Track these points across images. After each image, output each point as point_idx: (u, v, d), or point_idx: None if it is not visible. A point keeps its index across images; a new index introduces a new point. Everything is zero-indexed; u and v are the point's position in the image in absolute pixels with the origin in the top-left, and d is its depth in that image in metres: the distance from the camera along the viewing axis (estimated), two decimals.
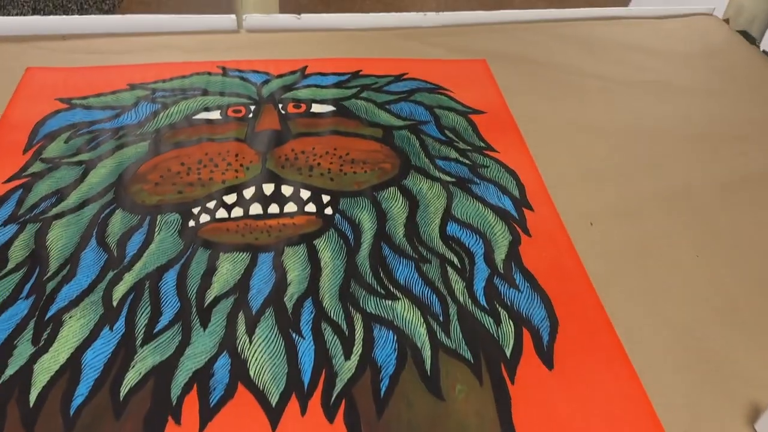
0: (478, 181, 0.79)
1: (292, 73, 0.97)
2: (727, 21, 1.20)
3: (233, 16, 1.07)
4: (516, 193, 0.78)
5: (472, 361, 0.59)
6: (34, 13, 1.43)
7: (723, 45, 1.12)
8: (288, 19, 1.08)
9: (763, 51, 1.13)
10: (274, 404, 0.55)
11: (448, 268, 0.68)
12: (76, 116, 0.86)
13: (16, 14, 1.42)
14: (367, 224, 0.73)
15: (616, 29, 1.15)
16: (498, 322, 0.63)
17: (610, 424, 0.56)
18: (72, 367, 0.57)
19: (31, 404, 0.54)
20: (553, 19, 1.15)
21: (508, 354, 0.60)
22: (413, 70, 0.99)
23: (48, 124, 0.85)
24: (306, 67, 0.98)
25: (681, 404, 0.57)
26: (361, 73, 0.98)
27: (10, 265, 0.66)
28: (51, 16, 1.02)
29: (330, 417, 0.54)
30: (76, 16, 1.01)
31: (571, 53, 1.07)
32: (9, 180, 0.76)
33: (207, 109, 0.88)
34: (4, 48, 0.99)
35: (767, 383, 0.59)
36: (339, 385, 0.57)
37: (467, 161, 0.82)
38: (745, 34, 1.17)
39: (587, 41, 1.10)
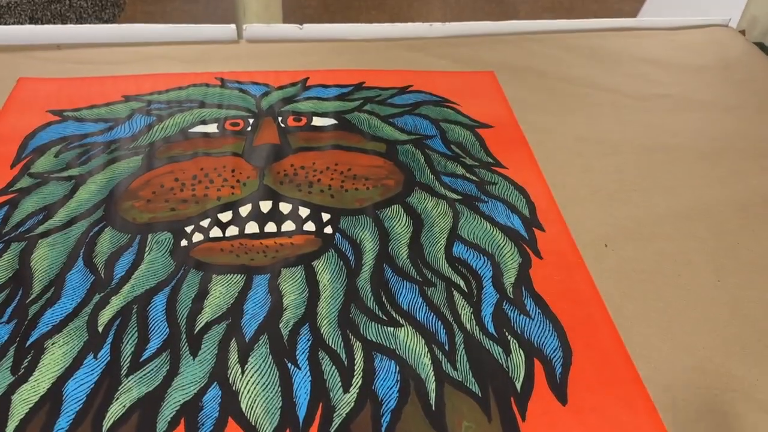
0: (486, 199, 0.76)
1: (293, 84, 0.93)
2: (743, 33, 1.17)
3: (233, 26, 1.04)
4: (526, 211, 0.74)
5: (479, 394, 0.55)
6: (31, 22, 1.40)
7: (740, 57, 1.08)
8: (290, 29, 1.05)
9: None
10: None
11: (455, 293, 0.64)
12: (67, 129, 0.83)
13: (13, 23, 1.40)
14: (369, 244, 0.69)
15: (628, 41, 1.11)
16: (507, 352, 0.59)
17: None
18: (53, 398, 0.54)
19: None
20: (563, 30, 1.12)
21: (518, 387, 0.56)
22: (418, 82, 0.96)
23: (38, 137, 0.82)
24: (307, 78, 0.95)
25: None
26: (364, 85, 0.94)
27: None
28: (46, 26, 0.99)
29: None
30: (72, 25, 0.98)
31: (581, 65, 1.03)
32: None
33: (204, 122, 0.85)
34: None
35: None
36: (337, 421, 0.53)
37: (474, 178, 0.79)
38: (761, 46, 1.13)
39: (597, 53, 1.07)
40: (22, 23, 1.39)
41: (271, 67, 0.98)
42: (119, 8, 1.55)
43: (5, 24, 1.38)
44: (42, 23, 1.40)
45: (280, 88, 0.93)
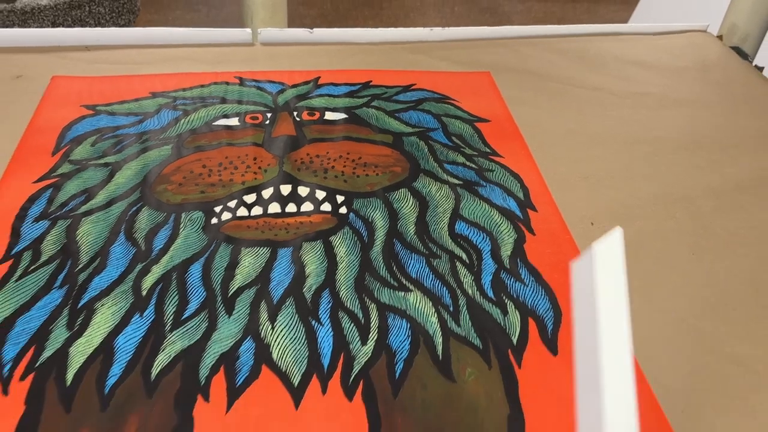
0: (485, 184, 0.84)
1: (306, 83, 1.02)
2: (720, 38, 1.26)
3: (249, 30, 1.12)
4: (520, 195, 0.82)
5: (480, 347, 0.63)
6: (53, 27, 1.48)
7: (717, 60, 1.17)
8: (301, 33, 1.13)
9: (756, 66, 1.18)
10: (296, 384, 0.59)
11: (457, 264, 0.72)
12: (101, 122, 0.91)
13: (36, 27, 1.48)
14: (380, 222, 0.77)
15: (614, 44, 1.20)
16: (505, 312, 0.67)
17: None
18: (105, 350, 0.61)
19: (68, 383, 0.58)
20: (553, 34, 1.20)
21: (514, 341, 0.64)
22: (421, 82, 1.04)
23: (74, 128, 0.89)
24: (319, 77, 1.03)
25: (677, 385, 0.61)
26: (371, 83, 1.02)
27: (44, 258, 0.70)
28: (75, 28, 1.07)
29: (349, 396, 0.58)
30: (99, 28, 1.05)
31: (570, 67, 1.12)
32: (39, 180, 0.80)
33: (226, 116, 0.92)
34: (30, 58, 1.04)
35: (756, 367, 0.63)
36: (356, 368, 0.60)
37: (474, 165, 0.87)
38: (737, 50, 1.22)
39: (585, 56, 1.15)
40: (44, 27, 1.47)
41: (284, 68, 1.06)
42: (134, 14, 1.63)
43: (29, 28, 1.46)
44: (63, 28, 1.48)
45: (294, 86, 1.00)
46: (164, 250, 0.71)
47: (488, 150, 0.90)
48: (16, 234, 0.72)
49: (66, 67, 1.02)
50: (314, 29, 1.13)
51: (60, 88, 0.98)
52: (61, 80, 0.99)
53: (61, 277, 0.68)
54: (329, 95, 0.99)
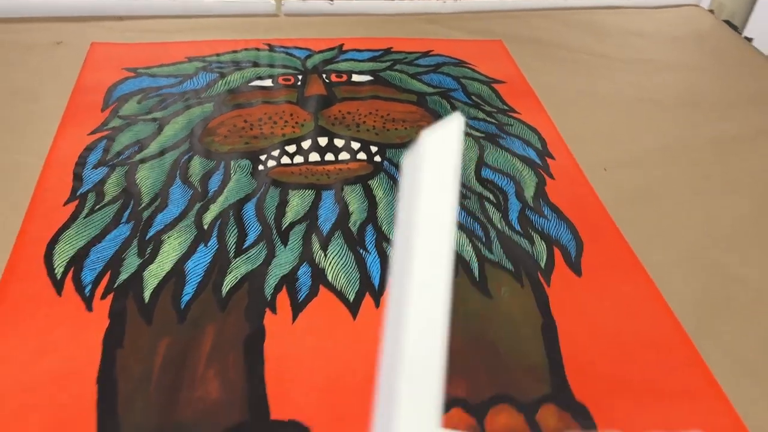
0: (505, 136, 0.91)
1: (331, 49, 1.08)
2: (711, 12, 1.34)
3: (272, 1, 1.18)
4: (538, 145, 0.90)
5: (513, 270, 0.70)
6: None
7: (711, 31, 1.25)
8: (322, 5, 1.20)
9: (745, 37, 1.26)
10: (351, 299, 0.66)
11: (486, 203, 0.79)
12: (143, 83, 0.97)
13: None
14: None
15: (616, 17, 1.27)
16: (532, 242, 0.74)
17: (631, 318, 0.67)
18: (177, 273, 0.67)
19: (146, 301, 0.64)
20: (562, 7, 1.28)
21: (542, 265, 0.71)
22: (438, 48, 1.11)
23: (119, 88, 0.95)
24: (342, 44, 1.10)
25: (690, 302, 0.69)
26: (392, 50, 1.09)
27: (108, 198, 0.76)
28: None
29: None
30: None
31: (577, 36, 1.19)
32: (93, 132, 0.86)
33: (260, 78, 0.99)
34: (69, 26, 1.09)
35: (757, 285, 0.71)
36: None
37: (494, 120, 0.94)
38: (728, 23, 1.30)
39: (591, 27, 1.23)
40: None
41: (309, 36, 1.12)
42: None
43: None
44: None
45: (320, 51, 1.07)
46: (219, 191, 0.78)
47: (506, 107, 0.97)
48: (78, 178, 0.78)
49: (101, 35, 1.08)
50: (334, 1, 1.19)
51: (100, 53, 1.03)
52: (100, 46, 1.05)
53: (126, 214, 0.74)
54: (354, 60, 1.06)
